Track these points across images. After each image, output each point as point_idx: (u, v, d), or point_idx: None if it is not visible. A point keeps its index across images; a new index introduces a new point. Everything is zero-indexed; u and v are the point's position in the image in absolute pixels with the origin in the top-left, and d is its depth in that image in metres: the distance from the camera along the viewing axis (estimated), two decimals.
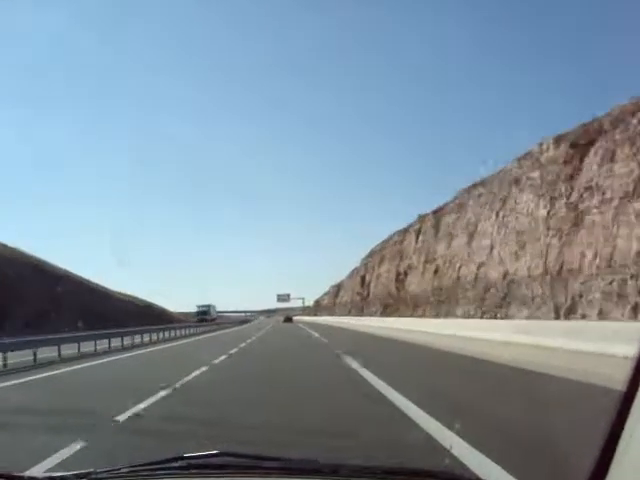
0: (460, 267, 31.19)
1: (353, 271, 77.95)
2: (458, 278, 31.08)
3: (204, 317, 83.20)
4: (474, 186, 32.84)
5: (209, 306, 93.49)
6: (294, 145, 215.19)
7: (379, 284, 55.00)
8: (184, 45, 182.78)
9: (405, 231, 49.06)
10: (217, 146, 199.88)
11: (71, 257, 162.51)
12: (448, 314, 30.61)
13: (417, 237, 43.85)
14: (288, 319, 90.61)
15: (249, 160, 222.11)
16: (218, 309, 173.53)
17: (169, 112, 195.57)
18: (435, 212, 40.91)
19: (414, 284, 41.04)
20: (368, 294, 60.74)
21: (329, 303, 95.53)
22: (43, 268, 50.94)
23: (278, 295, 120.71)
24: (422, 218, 44.54)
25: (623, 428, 1.07)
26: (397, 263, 48.43)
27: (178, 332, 37.80)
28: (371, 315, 54.43)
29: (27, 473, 1.89)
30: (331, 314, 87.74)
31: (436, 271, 35.97)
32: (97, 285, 66.16)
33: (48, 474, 1.74)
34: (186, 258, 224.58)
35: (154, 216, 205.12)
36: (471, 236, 30.50)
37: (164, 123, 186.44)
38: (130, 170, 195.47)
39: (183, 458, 1.69)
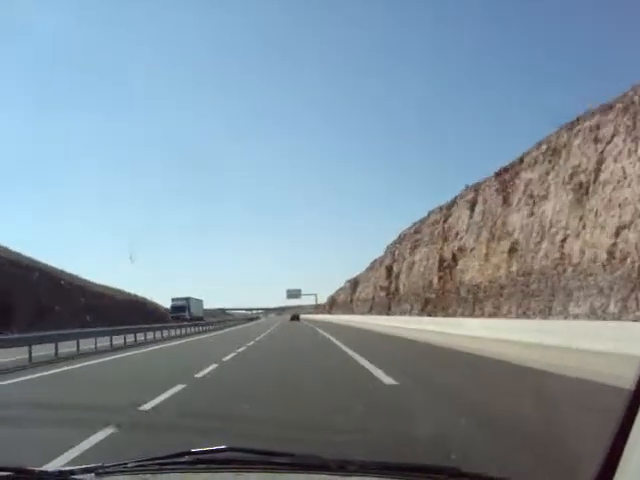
0: (565, 239, 20.24)
1: (374, 262, 67.10)
2: (562, 257, 20.13)
3: (180, 315, 63.52)
4: (581, 119, 21.86)
5: (187, 299, 71.31)
6: (301, 134, 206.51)
7: (413, 275, 44.12)
8: (188, 44, 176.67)
9: (450, 205, 38.09)
10: (218, 142, 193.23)
11: (59, 252, 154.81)
12: (550, 312, 19.73)
13: (472, 210, 32.92)
14: (295, 317, 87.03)
15: (255, 155, 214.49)
16: (227, 307, 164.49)
17: (172, 110, 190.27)
18: (499, 174, 29.93)
19: (471, 271, 30.13)
20: (397, 288, 49.92)
21: (345, 300, 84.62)
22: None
23: (288, 291, 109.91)
24: (476, 186, 33.60)
25: (632, 426, 1.06)
26: (440, 246, 37.52)
27: (171, 332, 32.84)
28: (404, 313, 43.60)
29: (38, 468, 1.73)
30: (347, 312, 77.17)
31: (512, 250, 25.04)
32: (91, 282, 60.94)
33: (58, 468, 1.74)
34: (194, 256, 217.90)
35: (161, 214, 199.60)
36: (584, 190, 19.56)
37: (169, 121, 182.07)
38: (134, 167, 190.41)
39: (190, 453, 1.68)
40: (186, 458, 1.67)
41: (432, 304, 36.32)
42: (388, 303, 53.40)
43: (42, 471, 1.69)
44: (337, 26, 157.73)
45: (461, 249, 33.11)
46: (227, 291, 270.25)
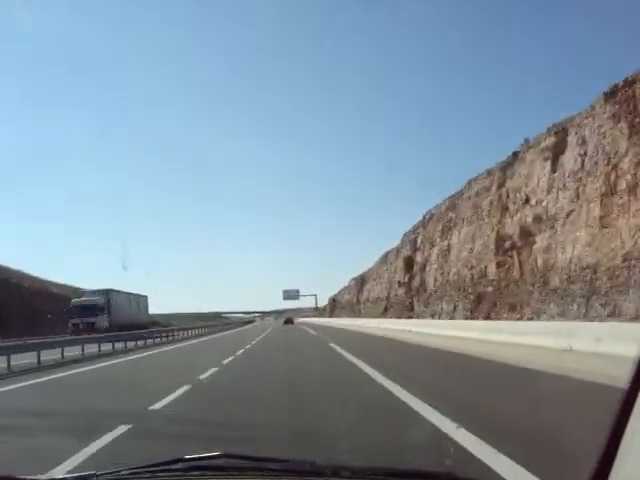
0: None
1: (387, 254, 56.20)
2: None
3: (86, 321, 35.12)
4: None
5: (106, 294, 39.40)
6: (299, 132, 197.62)
7: (450, 264, 33.23)
8: (189, 45, 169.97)
9: (508, 164, 27.17)
10: (215, 142, 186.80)
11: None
12: None
13: (554, 160, 22.10)
14: (288, 321, 78.70)
15: (251, 154, 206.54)
16: (224, 310, 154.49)
17: (173, 111, 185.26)
18: (614, 93, 19.00)
19: (570, 248, 19.27)
20: (423, 283, 39.04)
21: (350, 300, 73.64)
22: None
23: (284, 292, 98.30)
24: (563, 124, 22.72)
25: (626, 425, 1.07)
26: (496, 221, 26.70)
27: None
28: (436, 315, 32.80)
29: (30, 476, 1.76)
30: (353, 315, 66.41)
31: None
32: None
33: (50, 477, 1.74)
34: (189, 259, 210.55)
35: (156, 216, 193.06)
36: None
37: (168, 122, 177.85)
38: (130, 168, 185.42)
39: (184, 460, 1.66)
40: (180, 465, 1.65)
41: (489, 301, 25.49)
42: (409, 303, 42.57)
43: (34, 479, 1.66)
44: (336, 28, 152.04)
45: (538, 219, 22.27)
46: (224, 294, 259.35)
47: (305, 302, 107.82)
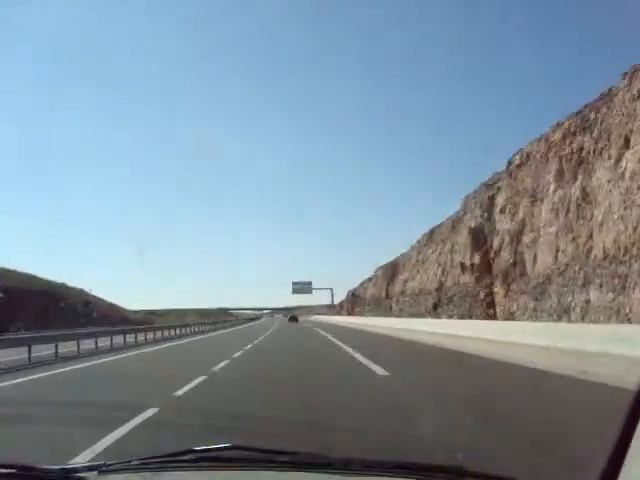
0: None
1: (433, 230, 41.04)
2: None
3: None
4: None
5: None
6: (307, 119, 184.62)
7: (597, 221, 18.05)
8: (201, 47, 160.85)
9: None
10: (219, 134, 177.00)
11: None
12: None
13: None
14: (293, 318, 74.19)
15: (259, 145, 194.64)
16: (233, 306, 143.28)
17: (181, 109, 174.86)
18: None
19: None
20: (515, 263, 23.94)
21: (377, 295, 58.51)
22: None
23: (294, 284, 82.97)
24: None
25: (636, 427, 1.06)
26: None
27: None
28: (566, 314, 17.84)
29: (41, 465, 1.72)
30: (380, 313, 51.71)
31: None
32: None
33: (62, 466, 1.74)
34: (197, 255, 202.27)
35: (161, 215, 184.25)
36: None
37: (168, 119, 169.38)
38: (132, 165, 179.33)
39: (194, 451, 1.66)
40: (190, 456, 1.64)
41: None
42: (486, 295, 27.48)
43: (45, 468, 1.67)
44: (337, 27, 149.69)
45: None
46: (234, 290, 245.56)
47: (319, 298, 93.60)
